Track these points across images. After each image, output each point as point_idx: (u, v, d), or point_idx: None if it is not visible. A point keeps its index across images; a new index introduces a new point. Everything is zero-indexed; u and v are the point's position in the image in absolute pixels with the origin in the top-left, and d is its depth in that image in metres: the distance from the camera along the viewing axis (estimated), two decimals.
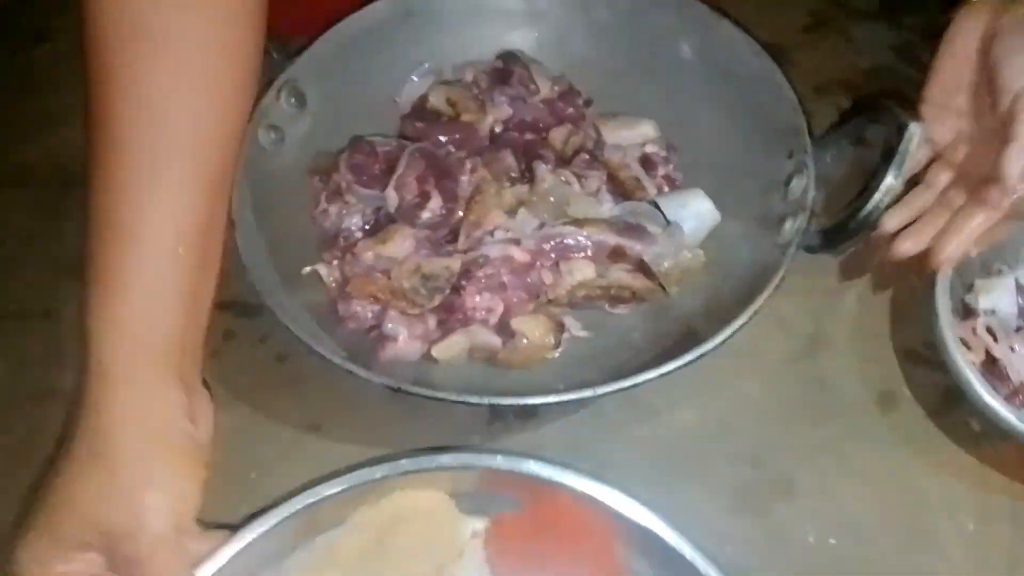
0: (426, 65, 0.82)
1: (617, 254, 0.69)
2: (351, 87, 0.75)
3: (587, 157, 0.76)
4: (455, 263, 0.67)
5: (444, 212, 0.69)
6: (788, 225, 0.64)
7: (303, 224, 0.74)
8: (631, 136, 0.79)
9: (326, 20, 0.76)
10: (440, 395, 0.58)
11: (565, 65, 0.84)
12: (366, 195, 0.70)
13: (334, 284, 0.69)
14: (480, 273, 0.66)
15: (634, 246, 0.68)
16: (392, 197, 0.68)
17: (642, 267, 0.69)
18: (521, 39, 0.84)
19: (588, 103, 0.83)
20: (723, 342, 0.59)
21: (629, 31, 0.80)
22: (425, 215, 0.68)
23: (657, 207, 0.72)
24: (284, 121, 0.73)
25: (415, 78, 0.82)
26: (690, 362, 0.58)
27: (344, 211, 0.72)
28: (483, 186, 0.70)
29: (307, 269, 0.69)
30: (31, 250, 0.79)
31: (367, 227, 0.72)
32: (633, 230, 0.68)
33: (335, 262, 0.70)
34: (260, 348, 0.72)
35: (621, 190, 0.73)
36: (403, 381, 0.59)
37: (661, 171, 0.76)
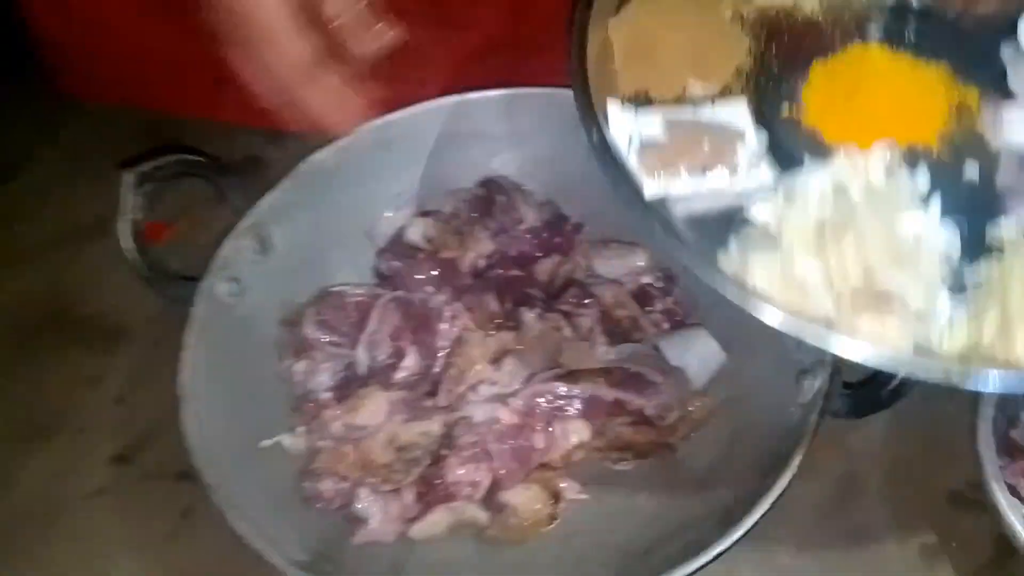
0: (402, 197, 0.77)
1: (617, 408, 0.61)
2: (322, 225, 0.70)
3: (578, 291, 0.69)
4: (434, 426, 0.60)
5: (422, 369, 0.62)
6: (807, 383, 0.56)
7: (271, 383, 0.67)
8: (622, 266, 0.73)
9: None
10: None
11: (554, 187, 0.78)
12: (335, 354, 0.63)
13: (299, 458, 0.62)
14: (463, 440, 0.59)
15: (635, 400, 0.60)
16: (363, 357, 0.61)
17: (645, 422, 0.62)
18: (504, 164, 0.78)
19: (578, 228, 0.77)
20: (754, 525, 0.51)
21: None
22: (400, 374, 0.61)
23: (657, 350, 0.65)
24: (246, 270, 0.67)
25: (390, 212, 0.76)
26: (719, 555, 0.50)
27: (310, 368, 0.65)
28: (465, 335, 0.63)
29: (266, 442, 0.62)
30: None
31: (337, 386, 0.65)
32: (633, 381, 0.61)
33: (301, 429, 0.63)
34: (225, 529, 0.64)
35: (617, 330, 0.66)
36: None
37: (659, 305, 0.69)
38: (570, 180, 0.77)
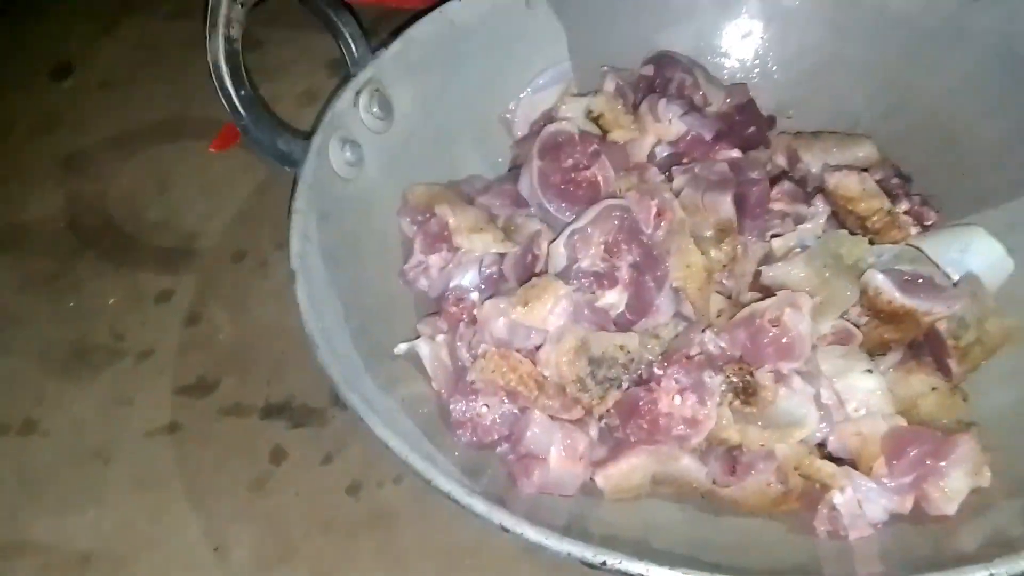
0: (548, 72, 0.60)
1: (906, 321, 0.44)
2: (451, 96, 0.55)
3: (792, 188, 0.52)
4: (634, 341, 0.43)
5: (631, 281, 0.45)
6: None
7: (390, 283, 0.50)
8: (841, 160, 0.56)
9: None
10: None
11: (737, 72, 0.62)
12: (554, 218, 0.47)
13: (442, 372, 0.45)
14: (676, 362, 0.42)
15: (927, 305, 0.43)
16: (558, 254, 0.45)
17: (936, 344, 0.44)
18: (674, 39, 0.62)
19: (771, 122, 0.60)
20: None
21: (834, 14, 0.58)
22: (586, 265, 0.44)
23: (923, 253, 0.47)
24: (364, 136, 0.51)
25: (536, 87, 0.59)
26: None
27: (452, 263, 0.48)
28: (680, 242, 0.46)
29: (401, 347, 0.45)
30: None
31: (484, 284, 0.48)
32: (918, 284, 0.44)
33: (441, 336, 0.46)
34: (324, 473, 0.47)
35: (863, 229, 0.49)
36: (576, 538, 0.34)
37: (904, 205, 0.52)
38: (760, 62, 0.62)
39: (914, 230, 0.52)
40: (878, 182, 0.54)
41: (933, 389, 0.45)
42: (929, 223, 0.53)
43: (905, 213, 0.52)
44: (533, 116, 0.60)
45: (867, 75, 0.58)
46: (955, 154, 0.55)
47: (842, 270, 0.45)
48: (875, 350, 0.46)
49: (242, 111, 0.45)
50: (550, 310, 0.43)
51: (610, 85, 0.59)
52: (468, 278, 0.48)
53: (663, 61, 0.60)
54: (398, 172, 0.54)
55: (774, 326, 0.42)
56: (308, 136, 0.49)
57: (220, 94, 0.44)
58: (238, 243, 0.62)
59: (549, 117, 0.59)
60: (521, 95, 0.60)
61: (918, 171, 0.56)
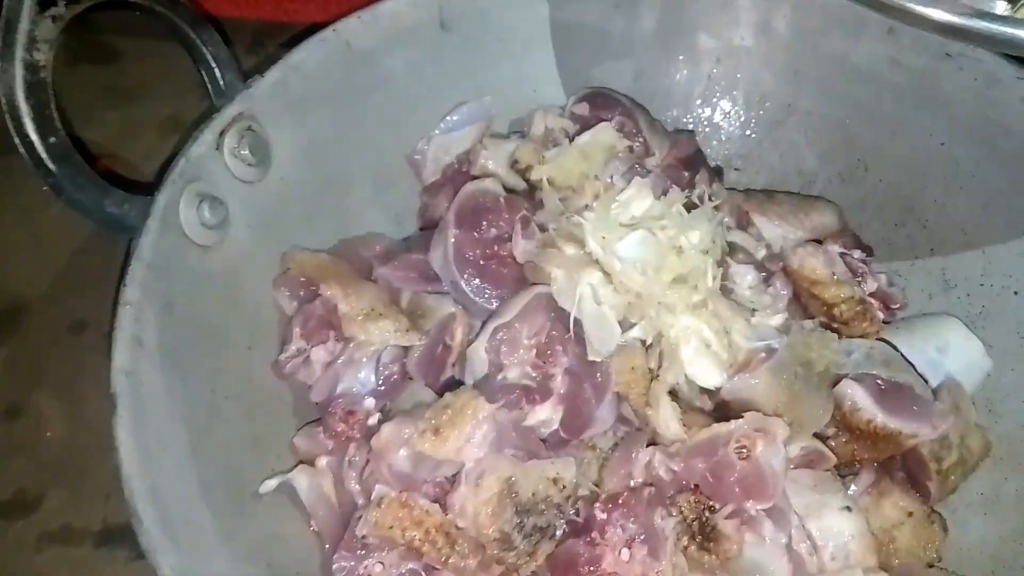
0: (465, 107, 0.51)
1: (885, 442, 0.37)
2: (346, 135, 0.44)
3: (749, 265, 0.45)
4: (570, 470, 0.34)
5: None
6: None
7: (261, 378, 0.39)
8: (799, 228, 0.49)
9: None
10: None
11: (680, 116, 0.55)
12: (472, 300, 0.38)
13: (324, 510, 0.34)
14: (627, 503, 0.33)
15: (908, 428, 0.36)
16: (479, 359, 0.35)
17: (915, 466, 0.38)
18: (611, 75, 0.54)
19: (718, 174, 0.53)
20: None
21: (799, 48, 0.51)
22: (513, 376, 0.35)
23: (895, 349, 0.41)
24: (230, 188, 0.40)
25: (449, 125, 0.50)
26: None
27: (342, 359, 0.38)
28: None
29: (270, 484, 0.34)
30: None
31: (383, 387, 0.38)
32: (897, 397, 0.37)
33: (325, 460, 0.36)
34: None
35: (831, 321, 0.42)
36: None
37: (871, 285, 0.46)
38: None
39: (881, 314, 0.46)
40: (841, 255, 0.47)
41: (909, 515, 0.39)
42: (896, 306, 0.47)
43: (871, 296, 0.46)
44: (446, 159, 0.51)
45: (825, 131, 0.52)
46: (920, 227, 0.49)
47: (812, 382, 0.38)
48: (843, 467, 0.40)
49: (51, 164, 0.33)
50: (467, 438, 0.33)
51: (538, 127, 0.50)
52: (362, 379, 0.38)
53: (599, 100, 0.52)
54: (275, 232, 0.43)
55: (741, 458, 0.35)
56: (152, 190, 0.37)
57: (18, 142, 0.32)
58: (76, 310, 0.49)
59: (465, 160, 0.50)
60: (432, 133, 0.51)
61: (878, 243, 0.50)
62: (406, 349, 0.39)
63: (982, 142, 0.46)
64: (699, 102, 0.54)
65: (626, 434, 0.40)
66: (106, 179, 0.36)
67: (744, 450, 0.35)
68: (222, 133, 0.40)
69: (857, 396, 0.38)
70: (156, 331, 0.33)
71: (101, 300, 0.49)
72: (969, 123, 0.47)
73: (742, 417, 0.36)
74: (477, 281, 0.40)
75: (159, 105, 0.59)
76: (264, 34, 0.57)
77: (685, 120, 0.55)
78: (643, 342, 0.39)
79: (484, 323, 0.37)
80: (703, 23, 0.52)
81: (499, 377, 0.35)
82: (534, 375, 0.36)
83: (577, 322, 0.36)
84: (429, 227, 0.48)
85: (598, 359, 0.36)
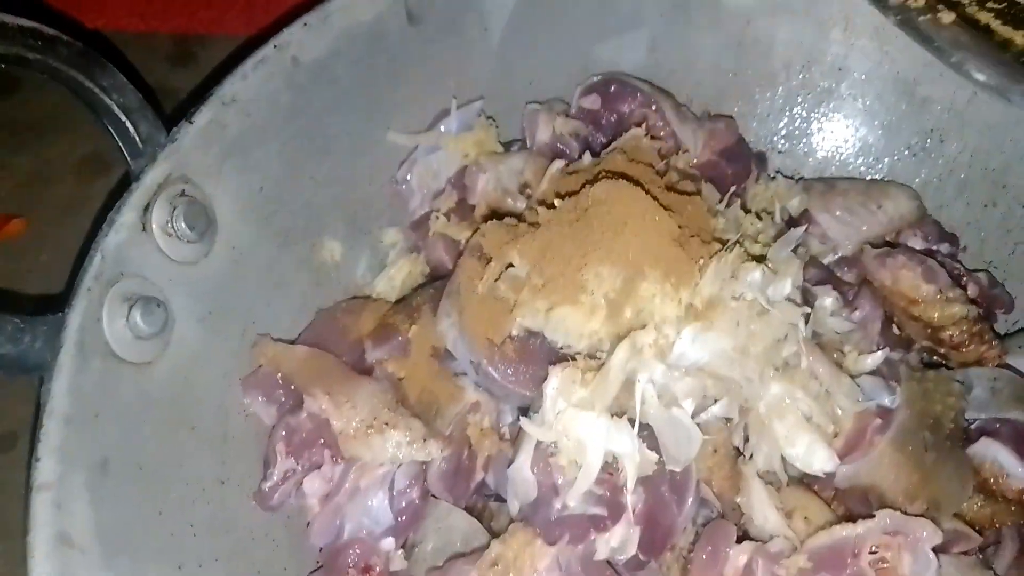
0: (452, 116, 0.41)
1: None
2: (309, 171, 0.34)
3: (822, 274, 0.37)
4: None
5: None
6: None
7: (245, 518, 0.30)
8: (874, 221, 0.41)
9: None
10: None
11: (707, 94, 0.45)
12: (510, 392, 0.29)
13: None
14: None
15: None
16: (525, 482, 0.27)
17: None
18: (620, 51, 0.44)
19: (760, 159, 0.44)
20: None
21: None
22: (574, 501, 0.27)
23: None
24: (167, 278, 0.30)
25: (432, 141, 0.40)
26: None
27: (344, 490, 0.29)
28: None
29: None
30: None
31: (402, 518, 0.30)
32: None
33: None
34: None
35: (923, 338, 0.34)
36: None
37: (972, 289, 0.38)
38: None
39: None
40: (926, 252, 0.39)
41: None
42: (1002, 311, 0.39)
43: (973, 302, 0.38)
44: (435, 184, 0.41)
45: (886, 95, 0.43)
46: (1017, 205, 0.40)
47: (944, 448, 0.29)
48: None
49: None
50: None
51: (543, 133, 0.41)
52: (374, 513, 0.29)
53: (612, 89, 0.42)
54: (233, 318, 0.34)
55: (880, 572, 0.27)
56: (59, 308, 0.27)
57: None
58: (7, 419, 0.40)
59: (461, 184, 0.41)
60: (414, 154, 0.41)
61: (964, 230, 0.42)
62: (423, 464, 0.30)
63: None
64: (730, 75, 0.45)
65: (707, 521, 0.32)
66: None
67: (883, 563, 0.27)
68: (147, 208, 0.30)
69: (1001, 457, 0.30)
70: (88, 514, 0.24)
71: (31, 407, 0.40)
72: None
73: (866, 507, 0.28)
74: (503, 365, 0.31)
75: (74, 140, 0.49)
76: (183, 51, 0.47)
77: (709, 99, 0.45)
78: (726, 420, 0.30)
79: (520, 431, 0.29)
80: None
81: (556, 506, 0.27)
82: (599, 492, 0.27)
83: (644, 426, 0.27)
84: (437, 276, 0.39)
85: (678, 469, 0.27)
